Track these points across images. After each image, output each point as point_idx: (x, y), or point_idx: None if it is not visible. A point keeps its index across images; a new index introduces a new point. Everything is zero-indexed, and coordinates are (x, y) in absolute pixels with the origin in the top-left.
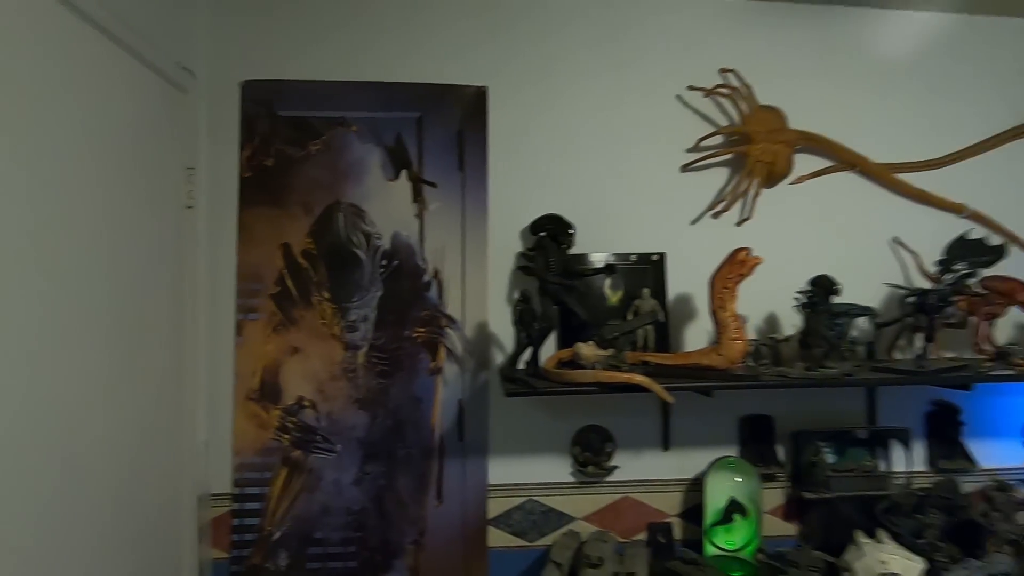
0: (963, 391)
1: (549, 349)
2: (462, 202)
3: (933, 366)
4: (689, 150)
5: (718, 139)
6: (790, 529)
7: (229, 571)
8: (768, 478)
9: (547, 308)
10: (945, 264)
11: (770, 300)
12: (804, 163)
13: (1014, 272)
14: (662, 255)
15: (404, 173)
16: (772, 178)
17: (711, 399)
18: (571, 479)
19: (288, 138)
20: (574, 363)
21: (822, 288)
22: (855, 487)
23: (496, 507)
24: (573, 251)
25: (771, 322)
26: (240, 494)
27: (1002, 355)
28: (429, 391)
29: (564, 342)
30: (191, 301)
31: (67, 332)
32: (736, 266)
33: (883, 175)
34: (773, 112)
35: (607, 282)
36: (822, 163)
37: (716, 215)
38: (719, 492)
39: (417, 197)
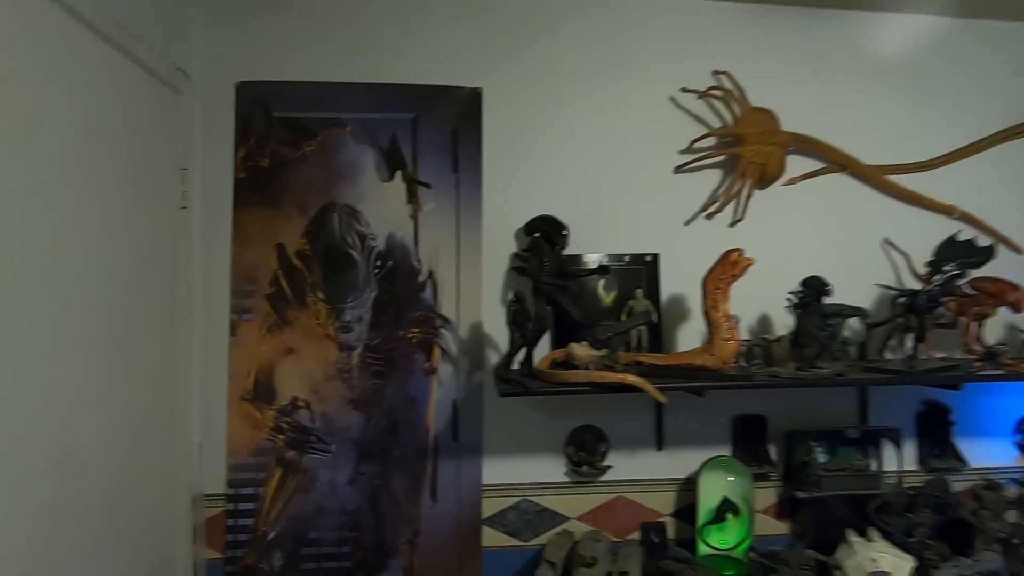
0: (953, 391)
1: (543, 349)
2: (457, 203)
3: (923, 366)
4: (682, 151)
5: (711, 141)
6: (783, 528)
7: (223, 571)
8: (761, 477)
9: (541, 309)
10: (935, 265)
11: (763, 301)
12: (796, 165)
13: (1003, 273)
14: (656, 256)
15: (399, 174)
16: (764, 179)
17: (704, 399)
18: (565, 479)
19: (283, 139)
20: (568, 363)
21: (813, 289)
22: (846, 486)
23: (490, 507)
24: (567, 252)
25: (764, 322)
26: (234, 494)
27: (991, 355)
28: (424, 391)
29: (558, 342)
30: (185, 301)
31: (61, 332)
32: (728, 267)
33: (874, 176)
34: (765, 114)
35: (601, 283)
36: (814, 165)
37: (709, 216)
38: (712, 491)
39: (412, 198)
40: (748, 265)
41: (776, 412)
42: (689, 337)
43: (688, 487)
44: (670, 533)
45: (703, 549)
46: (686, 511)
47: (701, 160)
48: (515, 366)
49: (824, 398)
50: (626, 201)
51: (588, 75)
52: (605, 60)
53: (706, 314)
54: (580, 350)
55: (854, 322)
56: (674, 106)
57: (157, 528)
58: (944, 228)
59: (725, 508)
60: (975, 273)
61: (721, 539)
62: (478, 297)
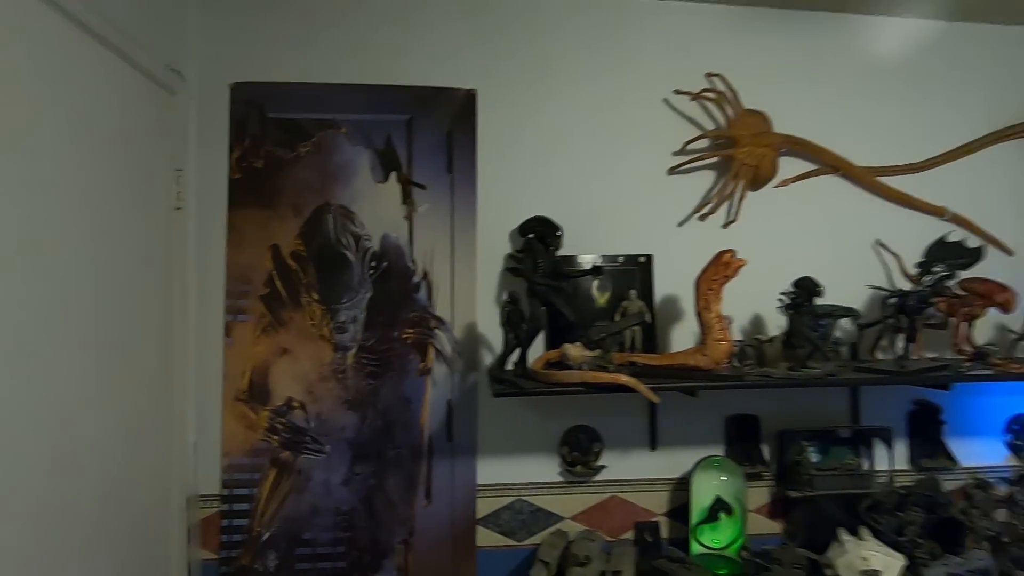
0: (944, 391)
1: (537, 350)
2: (451, 204)
3: (913, 366)
4: (676, 153)
5: (704, 142)
6: (775, 527)
7: (218, 572)
8: (754, 477)
9: (535, 309)
10: (925, 266)
11: (755, 301)
12: (789, 166)
13: (994, 274)
14: (649, 257)
15: (394, 175)
16: (757, 181)
17: (697, 399)
18: (559, 479)
19: (278, 140)
20: (562, 364)
21: (805, 290)
22: (838, 485)
23: (485, 507)
24: (561, 253)
25: (756, 323)
26: (229, 495)
27: (980, 355)
28: (418, 392)
29: (552, 343)
30: (180, 302)
31: (55, 333)
32: (721, 268)
33: (866, 178)
34: (758, 116)
35: (595, 283)
36: (806, 166)
37: (702, 217)
38: (705, 491)
39: (406, 199)
40: (740, 266)
41: (769, 412)
42: (683, 337)
43: (681, 487)
44: (664, 532)
45: (696, 548)
46: (679, 511)
47: (694, 162)
48: (509, 366)
49: (816, 398)
50: (620, 202)
51: (582, 77)
52: (599, 62)
53: (699, 315)
54: (574, 350)
55: (846, 323)
56: (668, 108)
57: (152, 528)
58: (935, 229)
59: (718, 507)
60: (965, 274)
61: (714, 538)
62: (472, 298)
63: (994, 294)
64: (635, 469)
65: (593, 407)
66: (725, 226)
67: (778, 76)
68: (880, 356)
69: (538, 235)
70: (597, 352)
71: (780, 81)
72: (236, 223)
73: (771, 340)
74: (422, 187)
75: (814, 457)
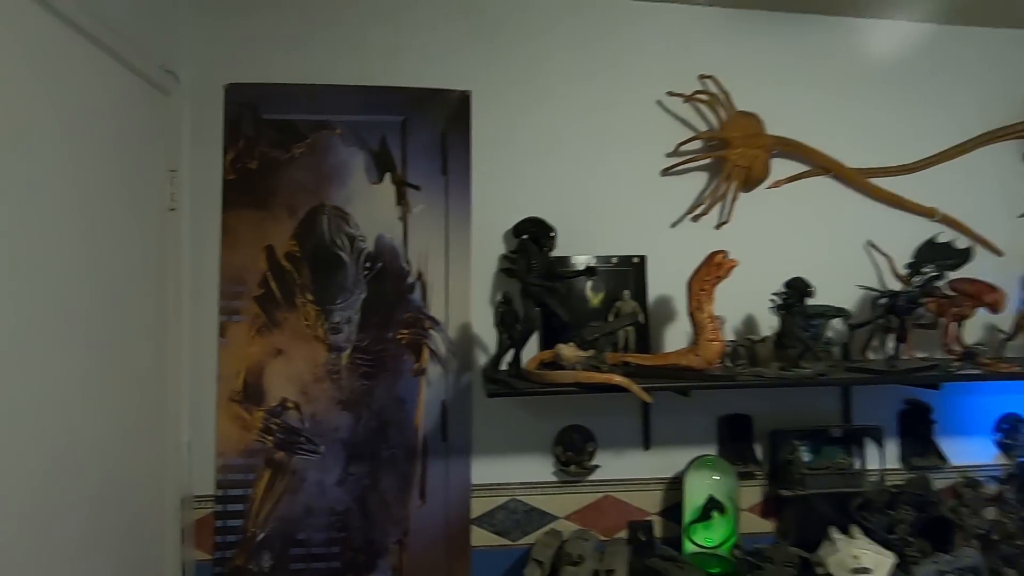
0: (934, 391)
1: (532, 350)
2: (446, 205)
3: (903, 366)
4: (669, 154)
5: (697, 144)
6: (768, 526)
7: (212, 572)
8: (746, 476)
9: (529, 310)
10: (914, 267)
11: (748, 302)
12: (781, 168)
13: (984, 274)
14: (643, 257)
15: (388, 176)
16: (750, 182)
17: (690, 399)
18: (553, 478)
19: (272, 141)
20: (555, 364)
21: (796, 290)
22: (830, 484)
23: (479, 507)
24: (555, 253)
25: (749, 323)
26: (223, 495)
27: (969, 355)
28: (413, 392)
29: (546, 343)
30: (174, 303)
31: (49, 334)
32: (713, 268)
33: (857, 179)
34: (751, 118)
35: (589, 284)
36: (798, 168)
37: (695, 218)
38: (698, 490)
39: (401, 200)
40: (732, 267)
41: (761, 412)
42: (676, 338)
43: (675, 486)
44: (657, 532)
45: (689, 547)
46: (673, 510)
47: (687, 163)
48: (503, 367)
49: (808, 398)
50: (613, 203)
51: (576, 79)
52: (593, 64)
53: (691, 315)
54: (567, 351)
55: (837, 323)
56: (661, 109)
57: (146, 529)
58: (926, 230)
59: (711, 506)
60: (954, 275)
61: (707, 537)
62: (467, 298)
63: (983, 294)
64: (629, 469)
65: (587, 407)
66: (718, 227)
67: (770, 78)
68: (871, 356)
69: (532, 236)
70: (591, 352)
71: (772, 83)
72: (230, 224)
73: (763, 340)
74: (417, 188)
75: (806, 456)
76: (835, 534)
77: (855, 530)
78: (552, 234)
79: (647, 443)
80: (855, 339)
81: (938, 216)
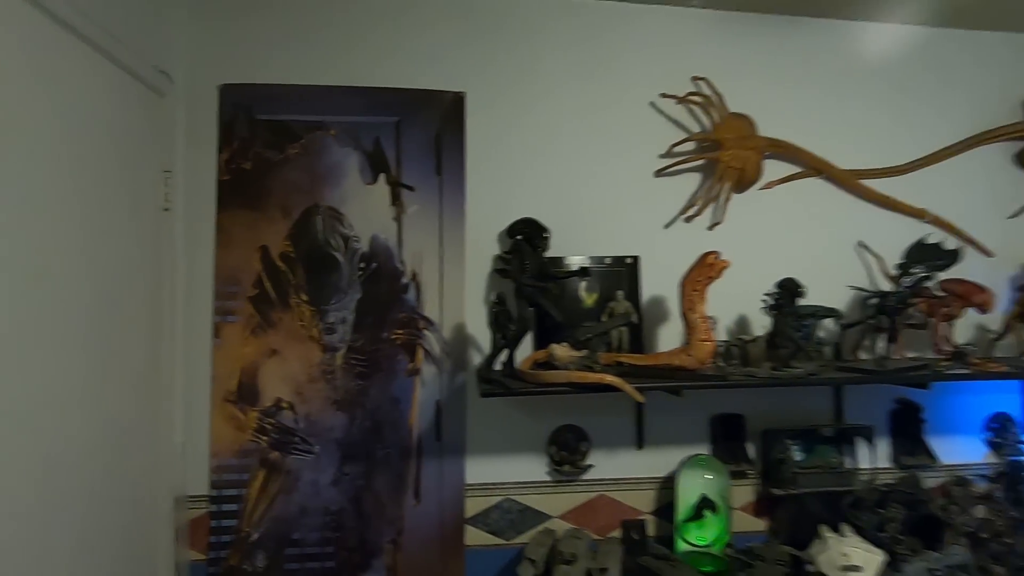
0: (925, 390)
1: (526, 350)
2: (440, 206)
3: (894, 366)
4: (662, 156)
5: (690, 145)
6: (760, 525)
7: (206, 572)
8: (739, 475)
9: (523, 310)
10: (904, 267)
11: (741, 302)
12: (773, 169)
13: (973, 275)
14: (636, 258)
15: (382, 177)
16: (742, 183)
17: (684, 399)
18: (547, 478)
19: (266, 141)
20: (549, 364)
21: (788, 291)
22: (821, 483)
23: (473, 506)
24: (549, 254)
25: (742, 323)
26: (218, 495)
27: (958, 355)
28: (407, 392)
29: (540, 343)
30: (168, 303)
31: (43, 334)
32: (705, 269)
33: (849, 181)
34: (743, 119)
35: (582, 284)
36: (790, 169)
37: (688, 219)
38: (690, 489)
39: (395, 200)
40: (724, 267)
41: (754, 411)
42: (669, 338)
43: (668, 485)
44: (650, 530)
45: (681, 546)
46: (666, 509)
47: (680, 164)
48: (497, 367)
49: (800, 397)
50: (607, 204)
51: (570, 80)
52: (586, 65)
53: (684, 315)
54: (561, 351)
55: (829, 323)
56: (654, 111)
57: (140, 529)
58: (916, 231)
59: (703, 505)
60: (943, 275)
61: (699, 536)
62: (461, 299)
63: (972, 295)
64: (622, 468)
65: (580, 407)
66: (711, 228)
67: (763, 80)
68: (863, 356)
69: (526, 236)
70: (584, 352)
71: (765, 85)
72: (225, 224)
73: (755, 340)
74: (411, 189)
75: (798, 455)
76: (826, 532)
77: (846, 528)
78: (546, 235)
79: (640, 443)
80: (846, 339)
81: (929, 217)
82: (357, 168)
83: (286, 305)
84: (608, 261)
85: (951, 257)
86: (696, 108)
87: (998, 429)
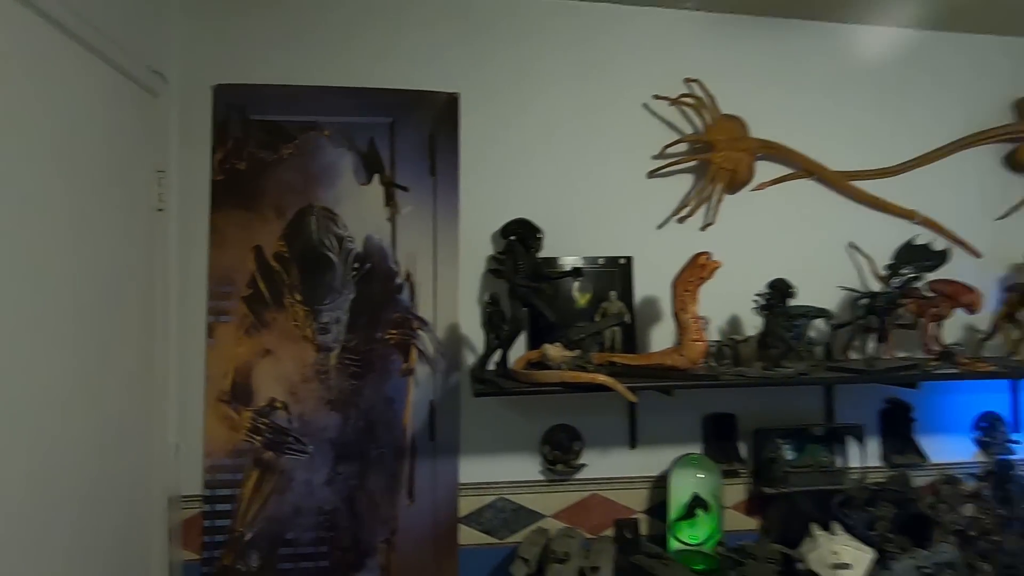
0: (914, 390)
1: (519, 350)
2: (434, 206)
3: (883, 365)
4: (655, 157)
5: (683, 147)
6: (751, 523)
7: (200, 572)
8: (731, 474)
9: (516, 310)
10: (893, 268)
11: (733, 302)
12: (765, 170)
13: (962, 275)
14: (629, 259)
15: (376, 177)
16: (734, 185)
17: (677, 399)
18: (540, 477)
19: (260, 142)
20: (542, 364)
21: (778, 291)
22: (812, 482)
23: (467, 505)
24: (542, 254)
25: (734, 323)
26: (211, 495)
27: (947, 355)
28: (401, 392)
29: (533, 343)
30: (162, 303)
31: (37, 334)
32: (697, 270)
33: (840, 182)
34: (735, 121)
35: (575, 285)
36: (782, 171)
37: (681, 220)
38: (682, 488)
39: (389, 201)
40: (716, 268)
41: (745, 411)
42: (662, 338)
43: (660, 484)
44: (643, 529)
45: (674, 544)
46: (658, 508)
47: (673, 165)
48: (491, 367)
49: (792, 397)
50: (600, 205)
51: (563, 81)
52: (580, 67)
53: (675, 316)
54: (554, 351)
55: (820, 323)
56: (647, 112)
57: (133, 529)
58: (906, 232)
59: (695, 504)
60: (932, 276)
61: (691, 534)
62: (455, 299)
63: (960, 295)
64: (615, 467)
65: (574, 407)
66: (703, 228)
67: (755, 82)
68: (853, 356)
69: (519, 237)
70: (577, 352)
71: (757, 87)
72: (218, 224)
73: (746, 340)
74: (405, 189)
75: (789, 454)
76: (816, 531)
77: (836, 527)
78: (539, 235)
79: (633, 442)
80: (837, 339)
81: (918, 218)
82: (351, 169)
83: (280, 305)
84: (601, 262)
85: (940, 258)
86: (688, 110)
87: (987, 428)
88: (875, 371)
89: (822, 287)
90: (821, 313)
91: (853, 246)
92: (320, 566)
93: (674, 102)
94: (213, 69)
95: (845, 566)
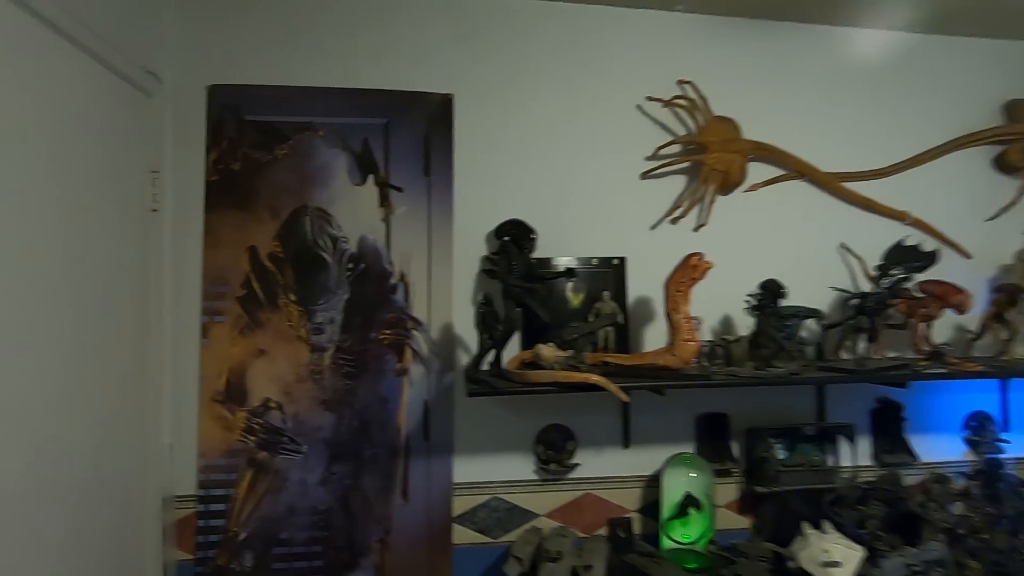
0: (904, 389)
1: (513, 350)
2: (428, 207)
3: (874, 365)
4: (648, 158)
5: (676, 148)
6: (744, 522)
7: (194, 572)
8: (723, 473)
9: (510, 310)
10: (883, 269)
11: (725, 302)
12: (757, 172)
13: (953, 276)
14: (622, 259)
15: (371, 178)
16: (727, 186)
17: (669, 398)
18: (534, 477)
19: (255, 142)
20: (536, 364)
21: (770, 292)
22: (804, 481)
23: (461, 505)
24: (536, 255)
25: (726, 324)
26: (205, 495)
27: (936, 355)
28: (395, 392)
29: (527, 344)
30: (156, 303)
31: (30, 335)
32: (689, 270)
33: (831, 183)
34: (728, 123)
35: (569, 285)
36: (774, 172)
37: (674, 221)
38: (675, 487)
39: (384, 201)
40: (708, 268)
41: (738, 410)
42: (655, 338)
43: (653, 483)
44: (636, 528)
45: (666, 543)
46: (651, 507)
47: (666, 166)
48: (485, 367)
49: (783, 397)
50: (594, 205)
51: (557, 83)
52: (573, 68)
53: (668, 316)
54: (547, 351)
55: (811, 323)
56: (640, 114)
57: (127, 529)
58: (897, 233)
59: (688, 503)
60: (922, 276)
61: (684, 533)
62: (449, 299)
63: (949, 296)
64: (608, 467)
65: (567, 406)
66: (696, 229)
67: (747, 84)
68: (844, 356)
69: (513, 238)
70: (570, 352)
71: (749, 89)
72: (213, 225)
73: (738, 340)
74: (399, 190)
75: (781, 454)
76: (808, 529)
77: (827, 525)
78: (533, 236)
79: (627, 441)
80: (828, 339)
81: (909, 219)
82: (345, 169)
83: (274, 305)
84: (595, 262)
85: (929, 259)
86: (681, 111)
87: (976, 427)
88: (866, 371)
89: (813, 287)
90: (812, 313)
91: (844, 247)
92: (314, 566)
93: (667, 104)
94: (207, 69)
95: (836, 564)
